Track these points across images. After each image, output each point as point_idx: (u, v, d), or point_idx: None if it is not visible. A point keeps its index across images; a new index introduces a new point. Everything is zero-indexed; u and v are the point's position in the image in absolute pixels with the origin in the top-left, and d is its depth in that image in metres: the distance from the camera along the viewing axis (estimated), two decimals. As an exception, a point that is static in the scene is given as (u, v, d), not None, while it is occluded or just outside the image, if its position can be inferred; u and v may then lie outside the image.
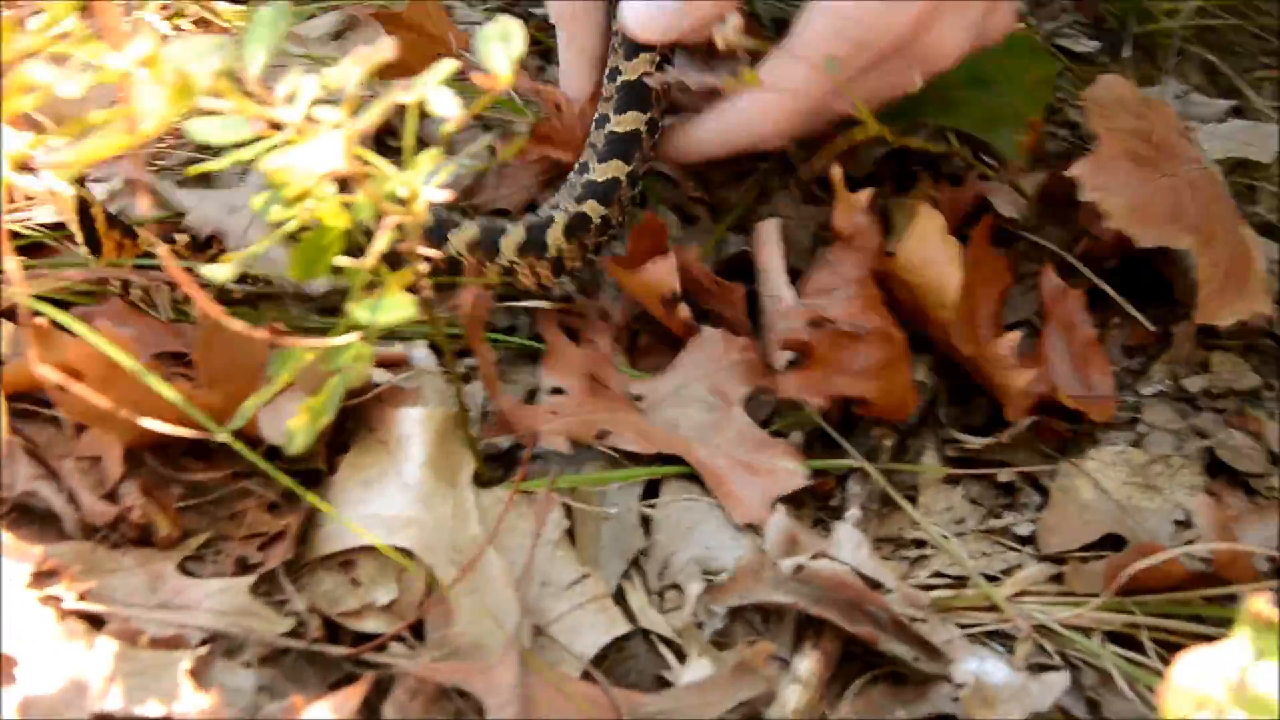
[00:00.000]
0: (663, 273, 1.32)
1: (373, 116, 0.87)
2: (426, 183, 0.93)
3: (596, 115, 1.42)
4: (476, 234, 1.31)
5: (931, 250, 1.30)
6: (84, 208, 1.25)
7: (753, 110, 1.35)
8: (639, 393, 1.30)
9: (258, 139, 0.88)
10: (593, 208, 1.36)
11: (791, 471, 1.24)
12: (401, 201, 0.93)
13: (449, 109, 0.91)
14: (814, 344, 1.26)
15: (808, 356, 1.27)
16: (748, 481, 1.23)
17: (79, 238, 1.26)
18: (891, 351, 1.27)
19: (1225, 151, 1.54)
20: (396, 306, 0.91)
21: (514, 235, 1.32)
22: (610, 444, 1.24)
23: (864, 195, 1.34)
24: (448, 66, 0.93)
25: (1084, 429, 1.36)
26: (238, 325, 0.92)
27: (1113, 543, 1.25)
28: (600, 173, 1.37)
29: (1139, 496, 1.29)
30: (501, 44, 0.93)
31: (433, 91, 0.92)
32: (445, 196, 0.90)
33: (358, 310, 0.91)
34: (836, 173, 1.36)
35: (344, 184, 0.92)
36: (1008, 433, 1.32)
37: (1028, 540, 1.27)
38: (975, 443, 1.33)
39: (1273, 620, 0.83)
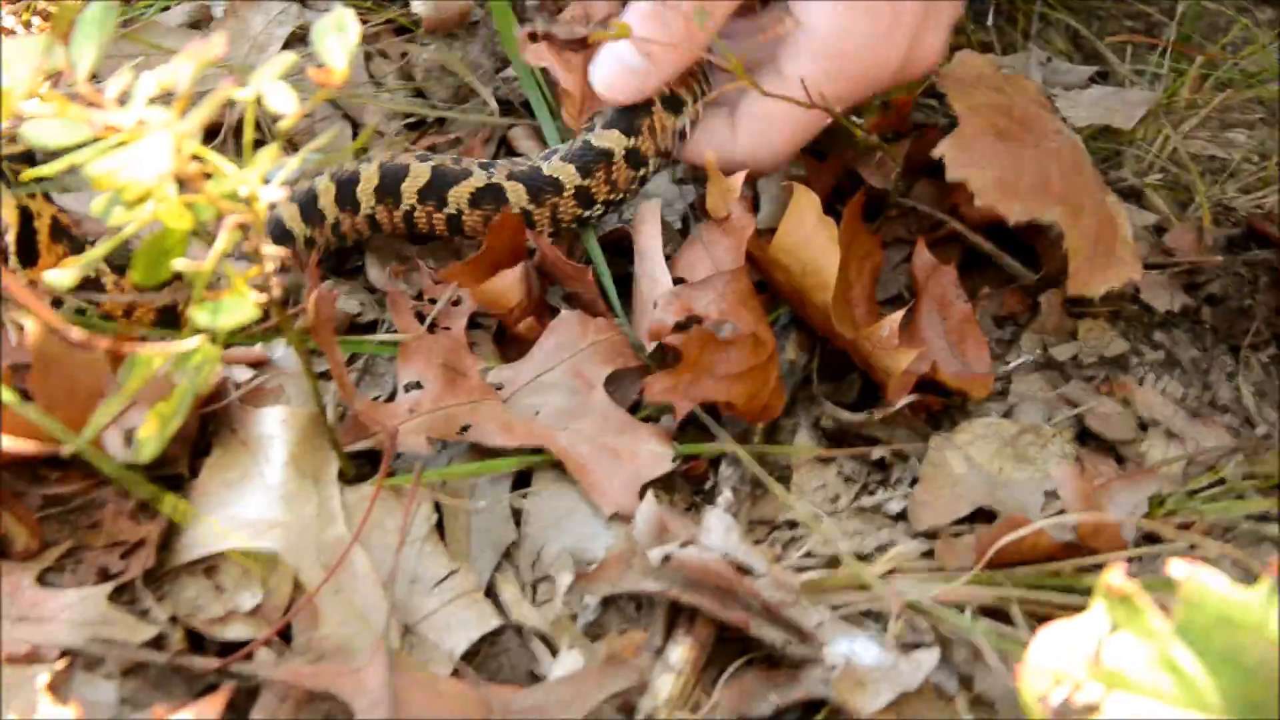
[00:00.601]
0: (508, 285, 1.31)
1: (202, 115, 0.85)
2: (268, 180, 0.91)
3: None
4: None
5: (808, 231, 1.30)
6: (25, 215, 1.19)
7: (753, 144, 1.37)
8: (499, 381, 1.28)
9: (95, 140, 0.86)
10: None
11: (659, 455, 1.23)
12: (244, 200, 0.91)
13: (285, 104, 0.89)
14: (682, 347, 1.24)
15: (675, 358, 1.26)
16: (613, 467, 1.22)
17: (10, 247, 1.20)
18: (760, 356, 1.26)
19: (1089, 119, 1.55)
20: (236, 309, 0.89)
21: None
22: (473, 438, 1.23)
23: (737, 179, 1.33)
24: (284, 60, 0.91)
25: (955, 402, 1.36)
26: (76, 334, 0.90)
27: (985, 516, 1.25)
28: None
29: (1010, 468, 1.29)
30: (337, 36, 0.91)
31: (269, 86, 0.90)
32: (282, 195, 0.88)
33: (198, 314, 0.88)
34: (710, 154, 1.35)
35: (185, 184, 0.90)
36: (880, 411, 1.32)
37: (901, 517, 1.27)
38: (849, 419, 1.33)
39: (1128, 593, 0.84)
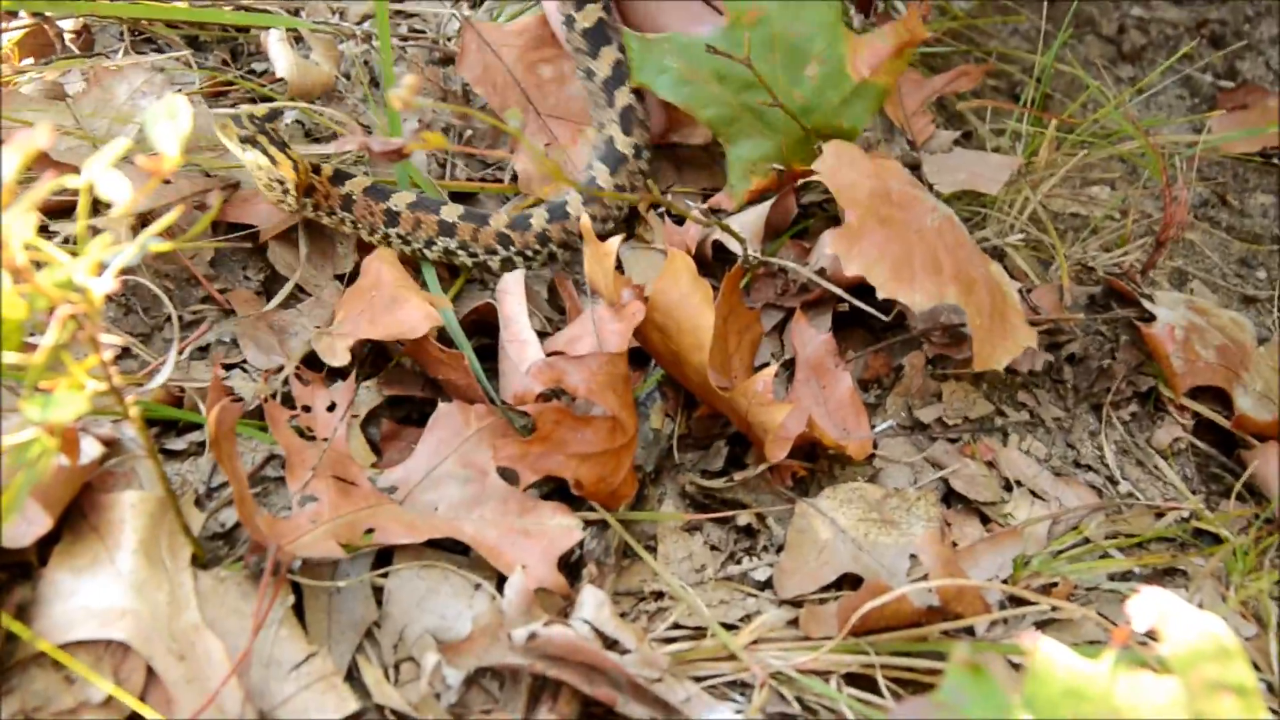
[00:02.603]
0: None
1: (28, 206, 0.83)
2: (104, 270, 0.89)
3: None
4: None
5: (683, 292, 1.29)
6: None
7: None
8: (391, 484, 1.27)
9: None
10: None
11: (566, 528, 1.22)
12: (79, 290, 0.89)
13: (118, 192, 0.87)
14: (536, 418, 1.23)
15: (533, 427, 1.25)
16: (526, 547, 1.21)
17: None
18: (616, 441, 1.25)
19: (956, 185, 1.56)
20: (67, 403, 0.87)
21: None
22: (379, 541, 1.20)
23: (612, 244, 1.33)
24: (119, 146, 0.90)
25: (821, 466, 1.36)
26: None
27: (851, 582, 1.25)
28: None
29: (876, 533, 1.29)
30: (169, 123, 0.89)
31: (101, 174, 0.88)
32: (112, 287, 0.87)
33: (28, 407, 0.86)
34: (586, 222, 1.35)
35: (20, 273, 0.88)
36: (743, 474, 1.32)
37: (767, 585, 1.26)
38: (713, 485, 1.32)
39: (978, 665, 0.83)
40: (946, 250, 1.37)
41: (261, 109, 1.42)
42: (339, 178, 1.46)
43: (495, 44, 1.64)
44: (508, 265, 1.50)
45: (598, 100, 1.55)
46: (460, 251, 1.48)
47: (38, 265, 0.90)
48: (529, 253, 1.49)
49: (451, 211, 1.47)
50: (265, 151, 1.41)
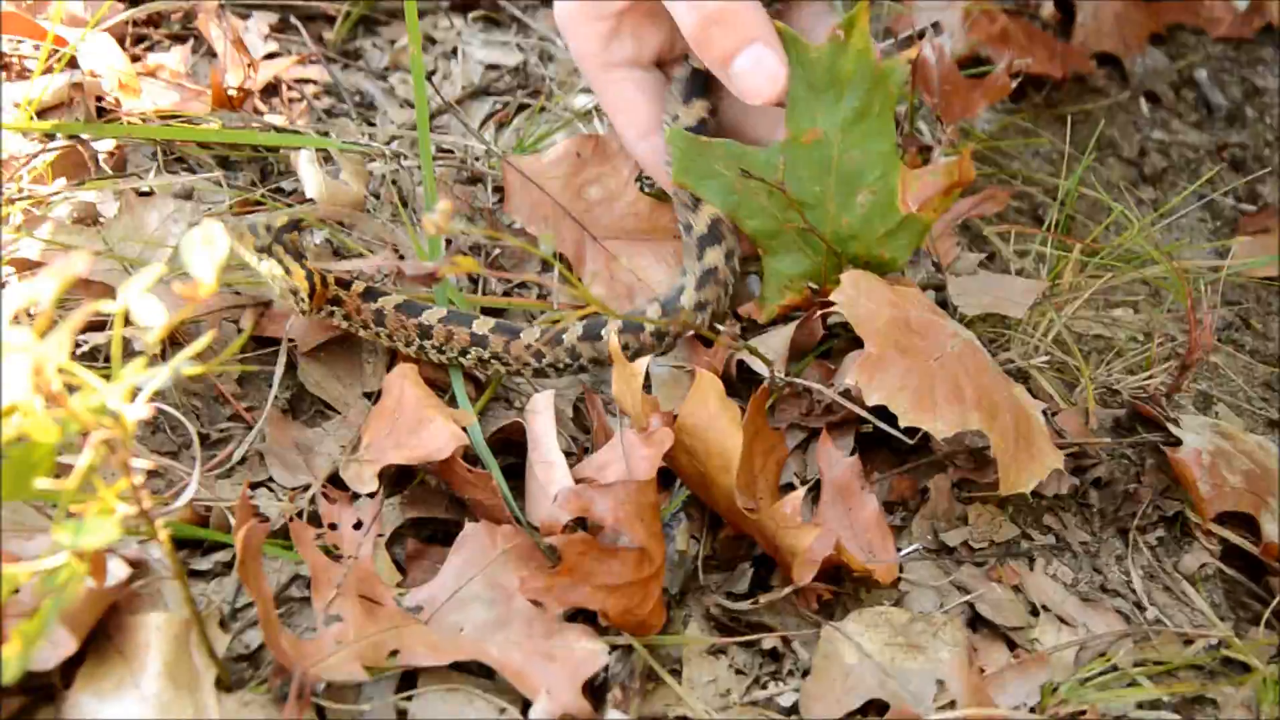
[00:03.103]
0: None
1: (65, 334, 0.84)
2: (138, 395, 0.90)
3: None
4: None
5: (711, 414, 1.30)
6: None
7: None
8: (417, 604, 1.26)
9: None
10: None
11: (591, 652, 1.21)
12: (111, 415, 0.90)
13: (153, 318, 0.88)
14: (562, 550, 1.23)
15: (559, 558, 1.24)
16: (551, 671, 1.20)
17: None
18: (644, 571, 1.25)
19: (980, 308, 1.57)
20: (98, 530, 0.87)
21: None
22: (404, 662, 1.20)
23: (640, 366, 1.34)
24: (153, 272, 0.91)
25: (847, 589, 1.36)
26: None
27: (877, 708, 1.24)
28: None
29: (902, 657, 1.28)
30: (205, 250, 0.90)
31: (136, 300, 0.89)
32: (146, 414, 0.87)
33: (59, 533, 0.87)
34: (614, 343, 1.36)
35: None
36: (769, 596, 1.31)
37: (793, 710, 1.25)
38: (739, 607, 1.32)
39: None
40: (968, 376, 1.37)
41: (280, 219, 1.43)
42: (370, 295, 1.46)
43: (538, 177, 1.65)
44: (540, 375, 1.51)
45: (689, 251, 1.56)
46: (494, 361, 1.49)
47: (70, 389, 0.90)
48: (560, 365, 1.50)
49: (483, 325, 1.48)
50: (280, 261, 1.41)
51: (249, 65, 1.77)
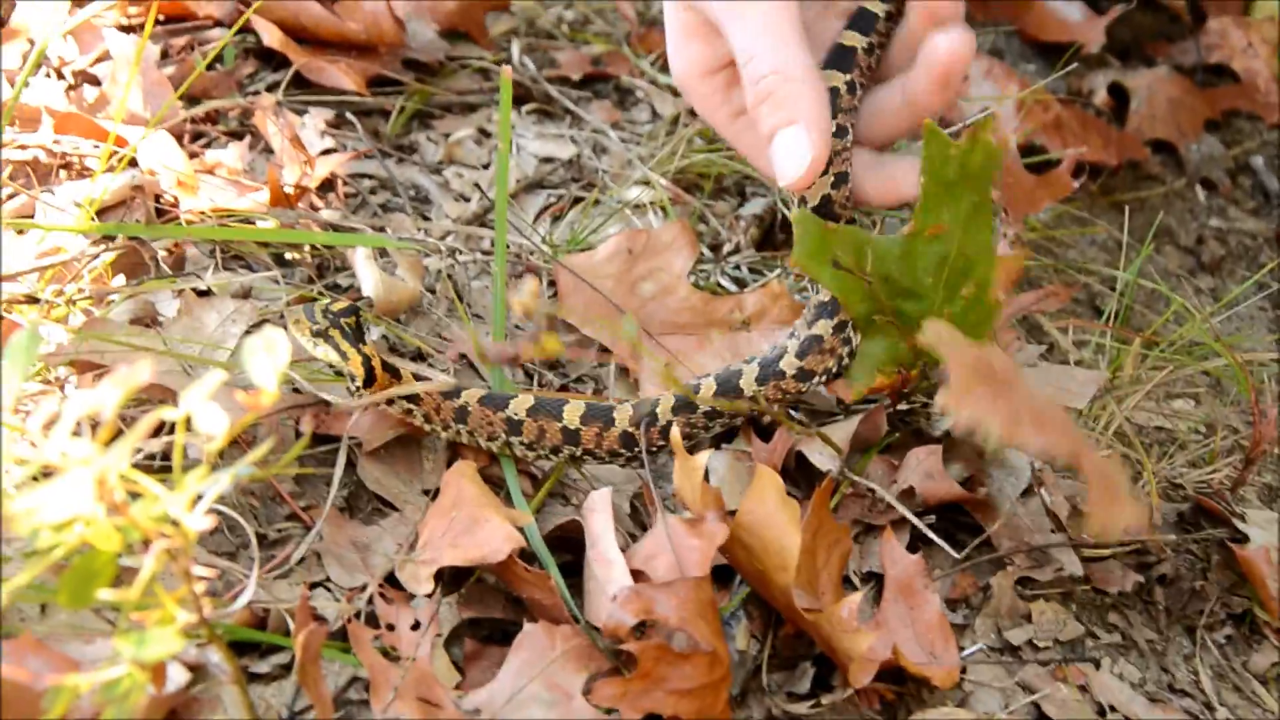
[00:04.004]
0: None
1: (129, 444, 0.83)
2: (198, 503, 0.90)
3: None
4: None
5: (770, 511, 1.29)
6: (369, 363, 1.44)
7: None
8: (475, 706, 1.25)
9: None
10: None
11: (647, 757, 1.21)
12: (173, 522, 0.90)
13: (215, 425, 0.88)
14: (639, 655, 1.22)
15: (630, 664, 1.23)
16: (613, 773, 1.19)
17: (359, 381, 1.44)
18: (714, 674, 1.23)
19: (1040, 398, 1.55)
20: (161, 640, 0.87)
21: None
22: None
23: (701, 459, 1.33)
24: (215, 379, 0.90)
25: (909, 690, 1.34)
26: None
27: (945, 812, 1.22)
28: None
29: (968, 760, 1.26)
30: (267, 357, 0.90)
31: (198, 406, 0.89)
32: (209, 524, 0.87)
33: (122, 644, 0.86)
34: (676, 435, 1.35)
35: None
36: (832, 698, 1.29)
37: (859, 812, 1.23)
38: (801, 710, 1.30)
39: None
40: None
41: (339, 303, 1.43)
42: (452, 393, 1.46)
43: (590, 275, 1.66)
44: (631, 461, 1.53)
45: (804, 317, 1.58)
46: (587, 457, 1.51)
47: (133, 495, 0.90)
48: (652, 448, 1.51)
49: (573, 413, 1.48)
50: (336, 345, 1.42)
51: (305, 162, 1.79)
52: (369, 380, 1.43)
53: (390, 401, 1.45)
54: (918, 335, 1.39)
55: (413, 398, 1.46)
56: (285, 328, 1.48)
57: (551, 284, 1.73)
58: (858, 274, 1.49)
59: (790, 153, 1.46)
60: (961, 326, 1.48)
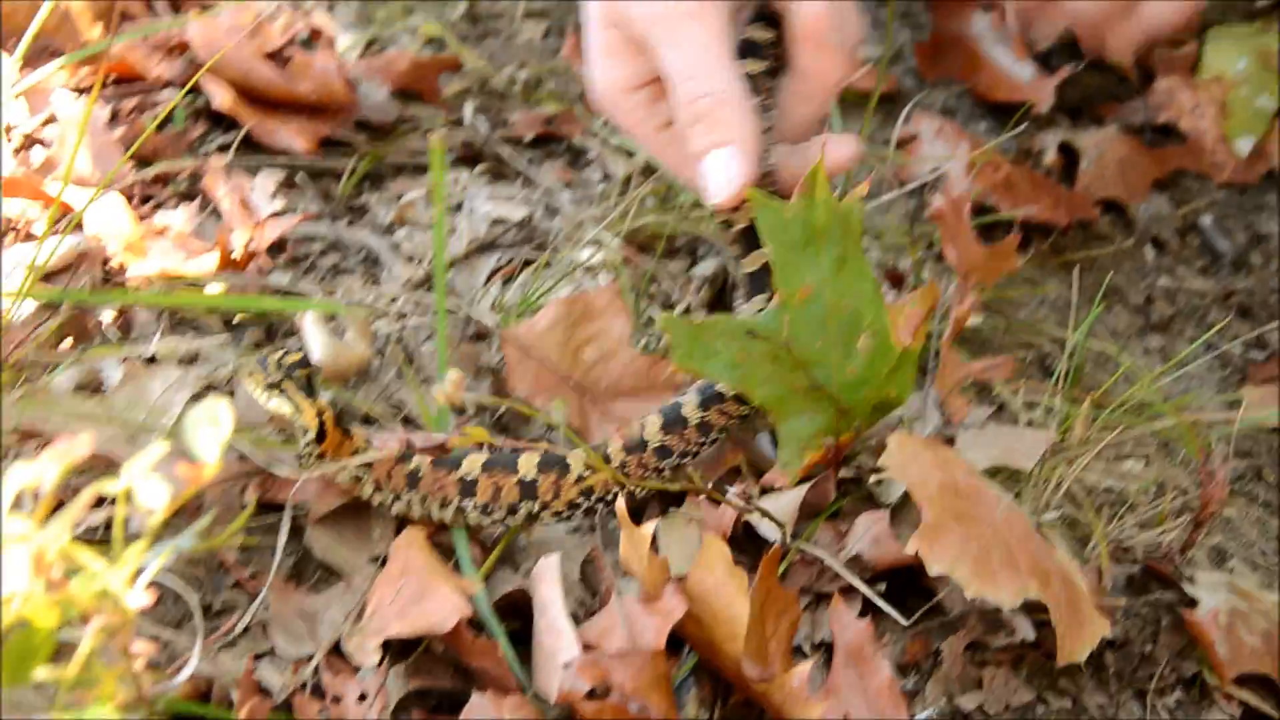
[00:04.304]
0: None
1: (67, 520, 0.83)
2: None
3: None
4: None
5: (718, 580, 1.30)
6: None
7: None
8: None
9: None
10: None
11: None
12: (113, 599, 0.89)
13: (156, 499, 0.87)
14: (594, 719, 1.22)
15: (566, 720, 1.23)
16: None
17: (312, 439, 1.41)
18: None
19: (990, 460, 1.55)
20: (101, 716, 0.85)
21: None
22: None
23: (647, 530, 1.33)
24: (157, 451, 0.90)
25: (861, 759, 1.33)
26: None
27: None
28: None
29: (919, 827, 1.26)
30: (210, 429, 0.89)
31: (139, 480, 0.88)
32: (148, 600, 0.86)
33: (58, 725, 0.85)
34: (621, 506, 1.35)
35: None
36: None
37: None
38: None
39: None
40: (1019, 543, 1.36)
41: (292, 355, 1.42)
42: (404, 457, 1.45)
43: (534, 347, 1.65)
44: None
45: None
46: (544, 513, 1.49)
47: (72, 570, 0.89)
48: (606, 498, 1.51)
49: (529, 463, 1.47)
50: (291, 399, 1.41)
51: (255, 225, 1.78)
52: (320, 436, 1.42)
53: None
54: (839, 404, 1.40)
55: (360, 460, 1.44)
56: (239, 381, 1.51)
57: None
58: (743, 360, 1.49)
59: (722, 173, 1.46)
60: (872, 379, 1.49)
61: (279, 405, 1.41)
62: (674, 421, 1.51)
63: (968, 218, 1.78)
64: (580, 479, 1.47)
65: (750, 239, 1.54)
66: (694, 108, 1.46)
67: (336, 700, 1.29)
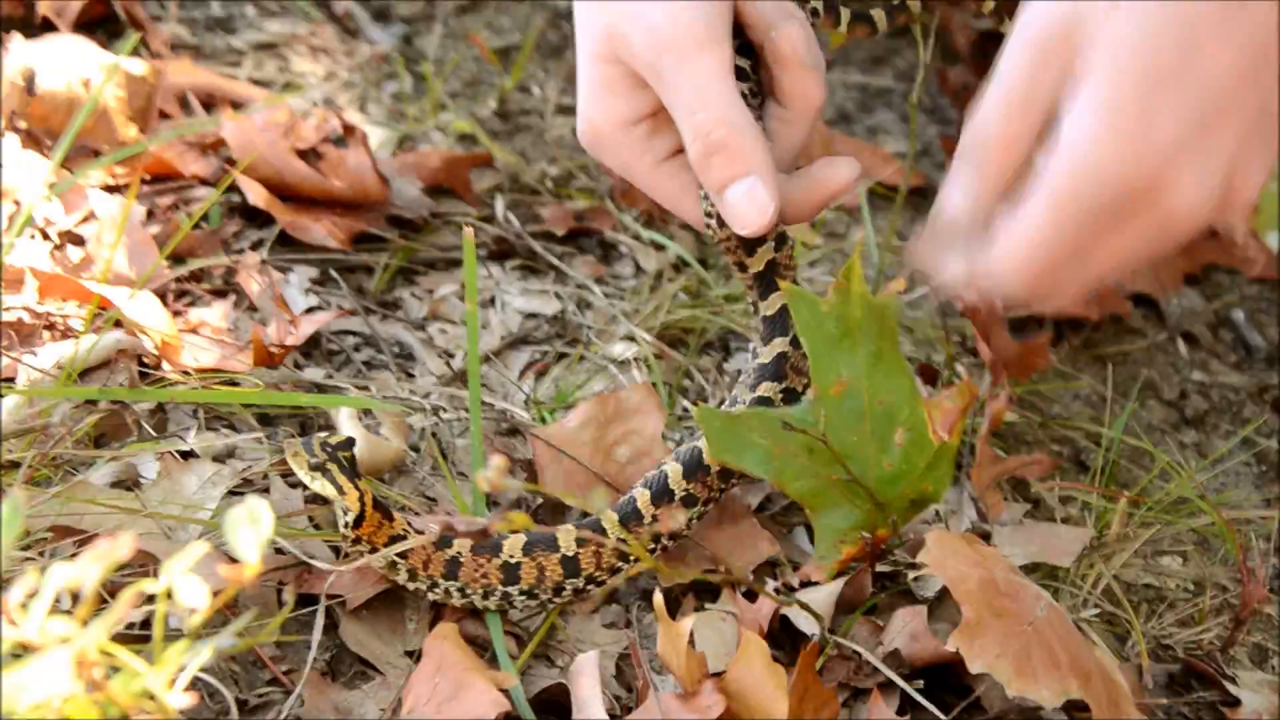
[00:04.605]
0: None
1: (109, 622, 0.82)
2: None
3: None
4: None
5: (757, 677, 1.29)
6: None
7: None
8: None
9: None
10: None
11: None
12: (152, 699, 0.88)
13: (196, 599, 0.87)
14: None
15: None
16: None
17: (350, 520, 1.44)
18: None
19: (1028, 557, 1.55)
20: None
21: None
22: None
23: (685, 626, 1.32)
24: (197, 551, 0.90)
25: None
26: None
27: None
28: None
29: None
30: (250, 528, 0.89)
31: (179, 579, 0.88)
32: (189, 701, 0.86)
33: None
34: (659, 600, 1.34)
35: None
36: None
37: None
38: None
39: None
40: (1059, 641, 1.35)
41: (336, 436, 1.43)
42: (443, 542, 1.46)
43: (566, 445, 1.65)
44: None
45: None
46: (590, 586, 1.51)
47: (113, 669, 0.89)
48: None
49: (568, 538, 1.49)
50: (334, 480, 1.42)
51: (290, 321, 1.79)
52: (360, 520, 1.42)
53: (374, 549, 1.43)
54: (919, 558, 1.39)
55: (396, 539, 1.44)
56: (281, 465, 1.56)
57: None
58: (779, 452, 1.49)
59: (750, 202, 1.47)
60: (908, 474, 1.49)
61: (322, 486, 1.42)
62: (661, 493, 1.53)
63: (1000, 314, 1.79)
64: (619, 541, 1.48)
65: (767, 281, 1.56)
66: (710, 139, 1.46)
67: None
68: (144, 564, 1.37)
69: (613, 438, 1.67)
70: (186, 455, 1.58)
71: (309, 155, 2.08)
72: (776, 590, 1.48)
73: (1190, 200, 1.19)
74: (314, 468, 1.42)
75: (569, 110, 2.43)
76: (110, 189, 1.97)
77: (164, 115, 2.15)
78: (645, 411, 1.68)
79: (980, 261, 1.27)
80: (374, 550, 1.44)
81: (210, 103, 2.25)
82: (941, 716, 1.42)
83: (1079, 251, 1.24)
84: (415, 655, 1.46)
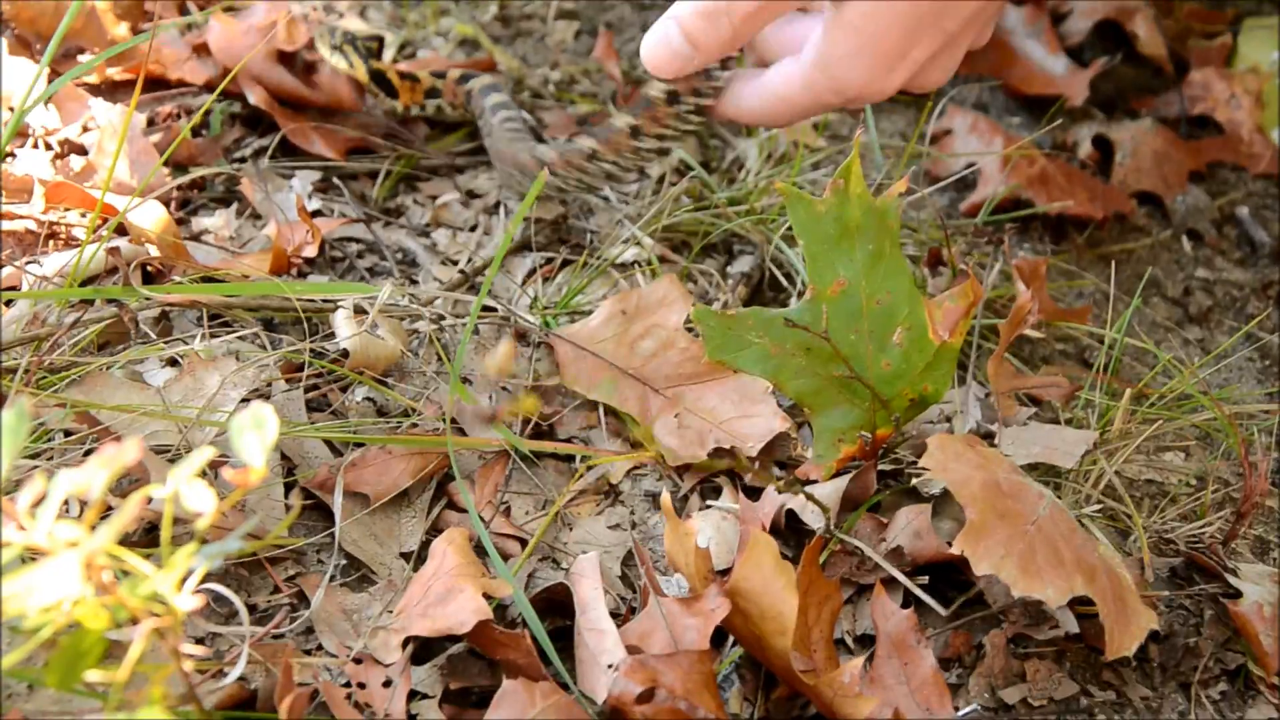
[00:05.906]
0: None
1: (116, 526, 0.83)
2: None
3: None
4: None
5: (766, 576, 1.28)
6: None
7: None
8: None
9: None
10: None
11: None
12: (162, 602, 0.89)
13: (202, 503, 0.88)
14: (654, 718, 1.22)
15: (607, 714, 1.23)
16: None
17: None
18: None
19: (1031, 457, 1.55)
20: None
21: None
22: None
23: (692, 524, 1.33)
24: (203, 456, 0.90)
25: (906, 753, 1.33)
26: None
27: None
28: None
29: (963, 821, 1.26)
30: (255, 434, 0.90)
31: (185, 485, 0.89)
32: (198, 603, 0.87)
33: (108, 730, 0.86)
34: (666, 499, 1.35)
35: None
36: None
37: None
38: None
39: None
40: (1063, 539, 1.36)
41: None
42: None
43: (588, 344, 1.65)
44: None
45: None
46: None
47: (121, 572, 0.90)
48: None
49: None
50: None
51: (309, 231, 1.79)
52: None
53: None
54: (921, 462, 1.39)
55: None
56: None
57: (541, 344, 1.72)
58: (776, 352, 1.49)
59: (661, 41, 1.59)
60: (908, 374, 1.49)
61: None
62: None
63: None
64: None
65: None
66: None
67: (361, 686, 1.30)
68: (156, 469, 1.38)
69: (636, 332, 1.67)
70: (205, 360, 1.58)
71: (294, 60, 2.05)
72: (785, 482, 1.49)
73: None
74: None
75: (570, 15, 2.42)
76: (97, 89, 1.96)
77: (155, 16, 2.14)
78: (669, 303, 1.68)
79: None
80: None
81: (206, 4, 2.23)
82: (943, 611, 1.43)
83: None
84: (410, 558, 1.47)
